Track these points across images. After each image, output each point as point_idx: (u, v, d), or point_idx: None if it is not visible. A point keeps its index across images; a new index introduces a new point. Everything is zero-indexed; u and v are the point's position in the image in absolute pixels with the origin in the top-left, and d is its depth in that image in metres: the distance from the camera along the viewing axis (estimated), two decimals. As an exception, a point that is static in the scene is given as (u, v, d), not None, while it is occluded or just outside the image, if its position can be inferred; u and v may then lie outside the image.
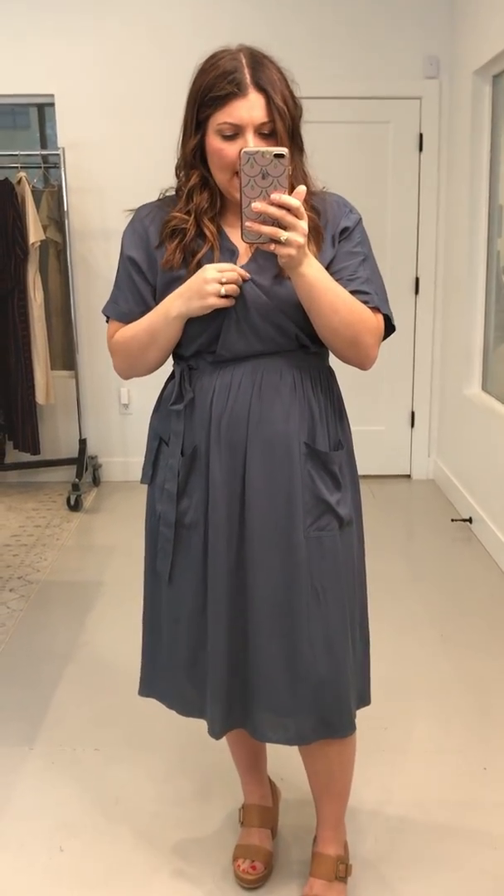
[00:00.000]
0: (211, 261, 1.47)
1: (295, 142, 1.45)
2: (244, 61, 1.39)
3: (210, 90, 1.40)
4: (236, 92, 1.38)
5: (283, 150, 1.30)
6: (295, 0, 4.22)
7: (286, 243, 1.31)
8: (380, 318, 1.52)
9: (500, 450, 3.52)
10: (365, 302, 1.48)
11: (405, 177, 4.44)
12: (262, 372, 1.50)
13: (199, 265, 1.46)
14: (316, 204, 1.50)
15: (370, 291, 1.50)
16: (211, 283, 1.41)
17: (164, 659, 1.68)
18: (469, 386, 4.09)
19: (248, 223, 1.31)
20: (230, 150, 1.40)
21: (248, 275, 1.45)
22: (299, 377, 1.53)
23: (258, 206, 1.29)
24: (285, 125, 1.40)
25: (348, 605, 1.60)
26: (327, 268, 1.46)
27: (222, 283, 1.40)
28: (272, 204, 1.29)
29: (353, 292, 1.47)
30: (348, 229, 1.52)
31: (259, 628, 1.56)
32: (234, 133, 1.40)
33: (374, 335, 1.51)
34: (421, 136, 4.39)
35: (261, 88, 1.38)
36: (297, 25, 4.24)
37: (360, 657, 1.68)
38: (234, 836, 1.92)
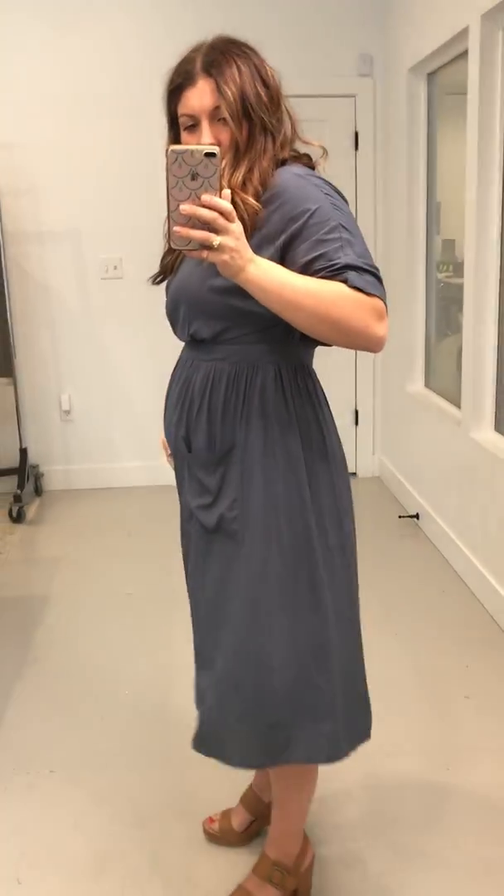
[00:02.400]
0: (175, 270, 1.53)
1: (260, 123, 1.37)
2: (203, 49, 1.37)
3: (169, 84, 1.40)
4: (185, 82, 1.36)
5: (214, 149, 1.20)
6: (227, -3, 4.18)
7: (219, 249, 1.22)
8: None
9: (444, 445, 3.53)
10: (344, 282, 1.31)
11: (342, 175, 4.42)
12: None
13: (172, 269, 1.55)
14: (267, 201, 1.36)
15: (346, 271, 1.31)
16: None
17: None
18: (412, 383, 4.10)
19: (175, 228, 1.21)
20: (193, 142, 1.37)
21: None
22: (198, 366, 1.51)
23: (187, 208, 1.21)
24: (233, 108, 1.34)
25: (232, 620, 1.50)
26: (305, 268, 1.32)
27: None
28: (202, 206, 1.20)
29: (332, 279, 1.30)
30: (297, 223, 1.34)
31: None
32: (193, 123, 1.37)
33: (366, 316, 1.31)
34: (356, 133, 4.39)
35: (209, 73, 1.34)
36: (230, 23, 4.16)
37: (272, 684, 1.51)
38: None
